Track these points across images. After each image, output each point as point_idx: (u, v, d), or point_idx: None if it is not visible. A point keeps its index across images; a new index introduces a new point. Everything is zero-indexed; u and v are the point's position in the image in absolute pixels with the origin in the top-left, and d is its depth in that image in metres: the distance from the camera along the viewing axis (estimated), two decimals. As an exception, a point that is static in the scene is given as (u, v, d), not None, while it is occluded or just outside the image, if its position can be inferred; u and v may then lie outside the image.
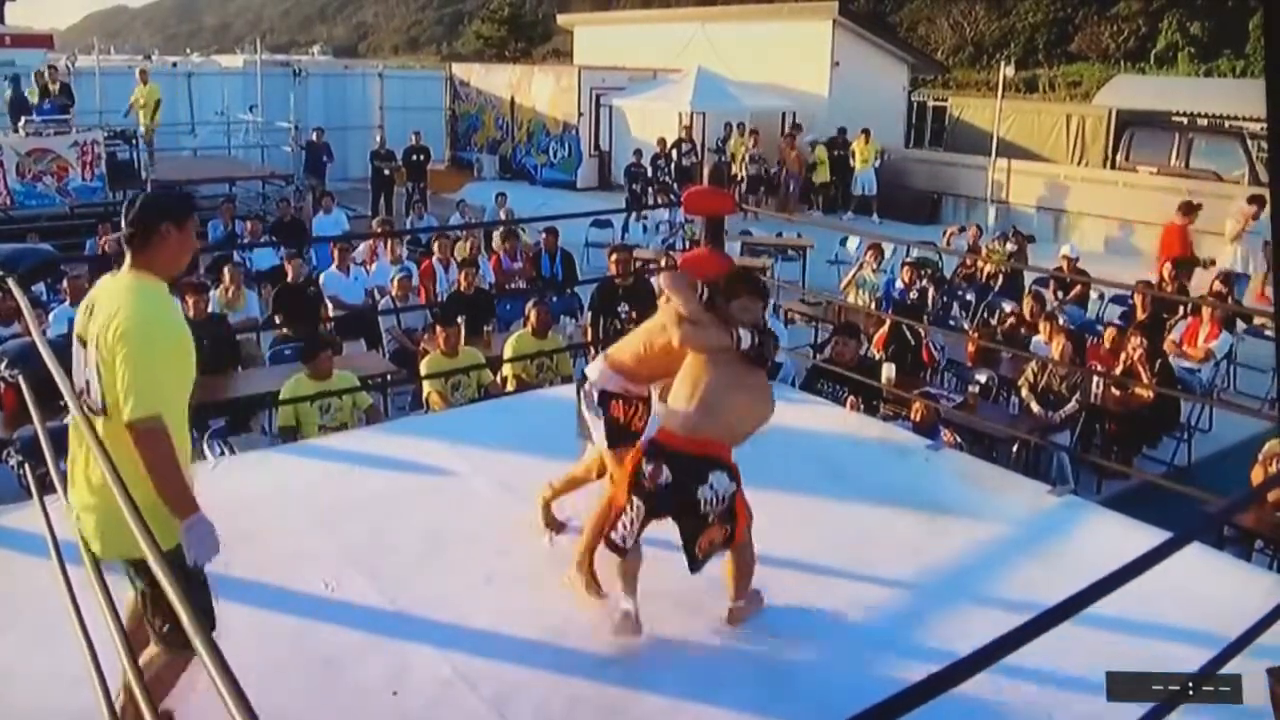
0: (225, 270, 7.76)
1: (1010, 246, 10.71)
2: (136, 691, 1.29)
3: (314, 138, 15.62)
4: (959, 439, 5.60)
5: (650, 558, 3.31)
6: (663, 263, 8.22)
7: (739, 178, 15.32)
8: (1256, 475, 4.93)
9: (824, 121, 16.64)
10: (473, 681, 2.73)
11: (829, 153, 15.68)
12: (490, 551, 3.44)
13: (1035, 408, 6.32)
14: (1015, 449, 5.92)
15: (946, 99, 20.26)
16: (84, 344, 2.33)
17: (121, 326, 2.23)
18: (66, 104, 13.09)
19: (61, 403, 2.44)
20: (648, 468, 2.80)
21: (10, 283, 3.41)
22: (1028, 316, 7.63)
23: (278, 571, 3.22)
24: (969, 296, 9.23)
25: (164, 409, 2.23)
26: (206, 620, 1.76)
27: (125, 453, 2.15)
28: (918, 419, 5.54)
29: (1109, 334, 7.20)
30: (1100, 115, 15.89)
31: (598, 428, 3.18)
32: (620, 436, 3.14)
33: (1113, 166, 15.18)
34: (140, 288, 2.34)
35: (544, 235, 9.61)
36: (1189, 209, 9.79)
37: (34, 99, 13.05)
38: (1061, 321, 7.27)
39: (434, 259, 8.65)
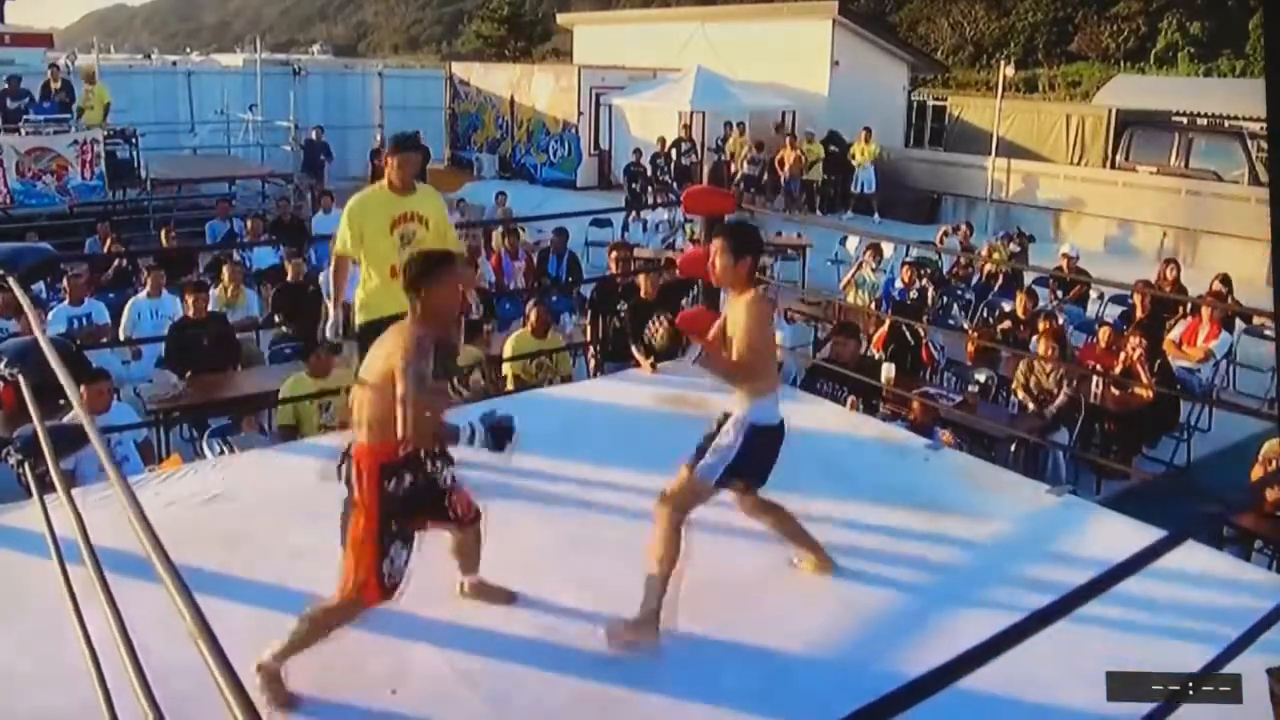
0: (225, 269, 7.76)
1: (1013, 247, 10.73)
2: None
3: (313, 137, 15.61)
4: (958, 439, 5.61)
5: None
6: (662, 261, 8.23)
7: (737, 177, 15.33)
8: (1256, 475, 4.94)
9: (824, 121, 16.64)
10: (472, 680, 2.73)
11: (824, 149, 15.69)
12: (490, 551, 3.44)
13: (1031, 406, 6.34)
14: (1014, 448, 5.92)
15: (946, 99, 20.27)
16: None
17: None
18: (66, 102, 13.08)
19: (61, 401, 2.44)
20: (390, 484, 2.63)
21: (11, 281, 3.40)
22: (1022, 315, 7.64)
23: (277, 571, 3.22)
24: (968, 296, 9.24)
25: None
26: None
27: None
28: (915, 418, 5.54)
29: (1104, 333, 7.20)
30: (1100, 115, 15.89)
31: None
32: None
33: (1113, 166, 15.18)
34: None
35: (553, 236, 9.63)
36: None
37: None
38: (1061, 321, 7.28)
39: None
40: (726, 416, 3.03)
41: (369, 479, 2.58)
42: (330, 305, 4.16)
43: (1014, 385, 6.55)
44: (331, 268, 4.15)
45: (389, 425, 2.48)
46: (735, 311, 3.01)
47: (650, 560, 2.90)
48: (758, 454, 3.00)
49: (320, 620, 2.65)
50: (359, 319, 3.92)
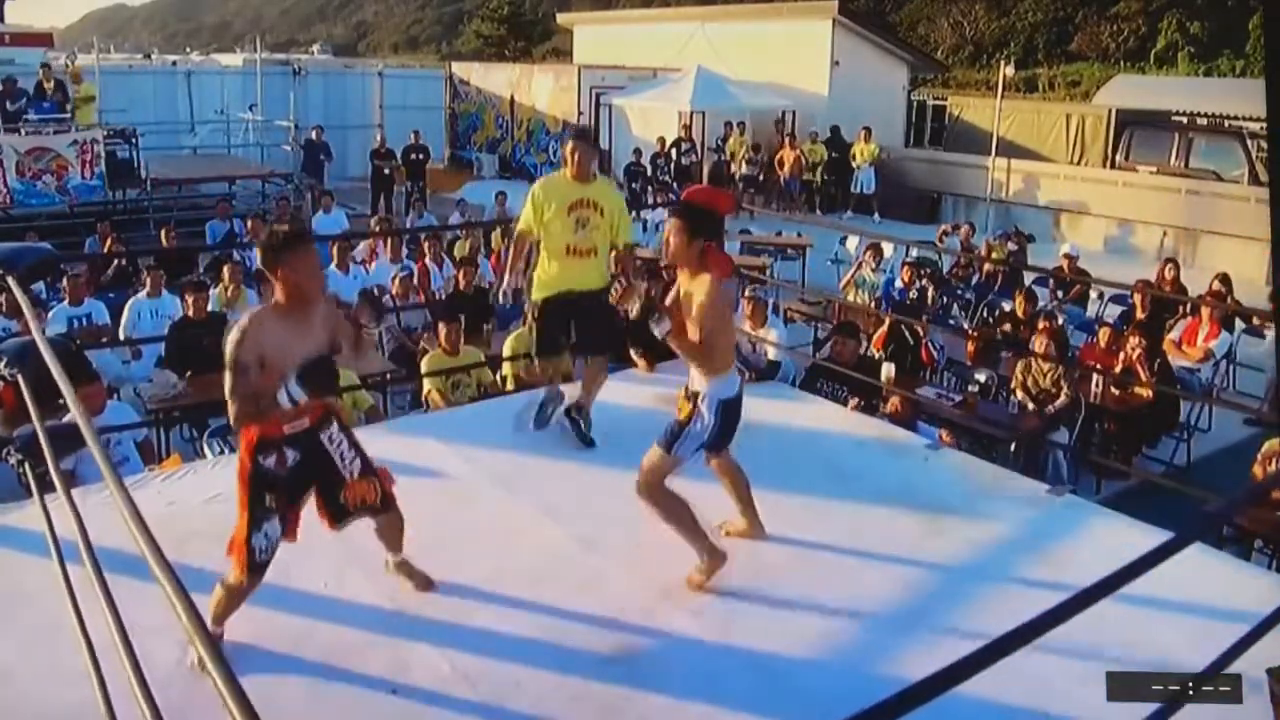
0: (225, 269, 7.76)
1: (1011, 246, 10.73)
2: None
3: (313, 137, 15.61)
4: (957, 438, 5.60)
5: (651, 557, 3.32)
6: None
7: (737, 177, 15.34)
8: (1256, 475, 4.94)
9: (824, 121, 16.65)
10: (472, 680, 2.73)
11: (826, 151, 15.69)
12: (490, 551, 3.44)
13: (1030, 406, 6.34)
14: (1014, 448, 5.92)
15: (946, 98, 20.27)
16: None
17: None
18: (63, 101, 13.08)
19: (60, 401, 2.44)
20: (268, 460, 2.68)
21: (10, 281, 3.40)
22: (1021, 315, 7.64)
23: (277, 571, 3.22)
24: (968, 296, 9.24)
25: None
26: None
27: None
28: (895, 412, 5.56)
29: (1104, 333, 7.20)
30: (1100, 115, 15.89)
31: None
32: None
33: (1112, 166, 15.19)
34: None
35: None
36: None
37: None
38: (1061, 321, 7.29)
39: (426, 259, 8.65)
40: (695, 395, 3.21)
41: (243, 452, 2.69)
42: (506, 275, 4.45)
43: (1013, 385, 6.55)
44: (512, 242, 4.42)
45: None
46: (696, 292, 3.15)
47: (668, 525, 3.16)
48: (727, 424, 3.23)
49: (220, 595, 2.74)
50: (535, 294, 4.27)
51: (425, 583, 3.15)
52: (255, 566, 2.69)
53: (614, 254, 4.33)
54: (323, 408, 2.79)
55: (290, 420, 2.67)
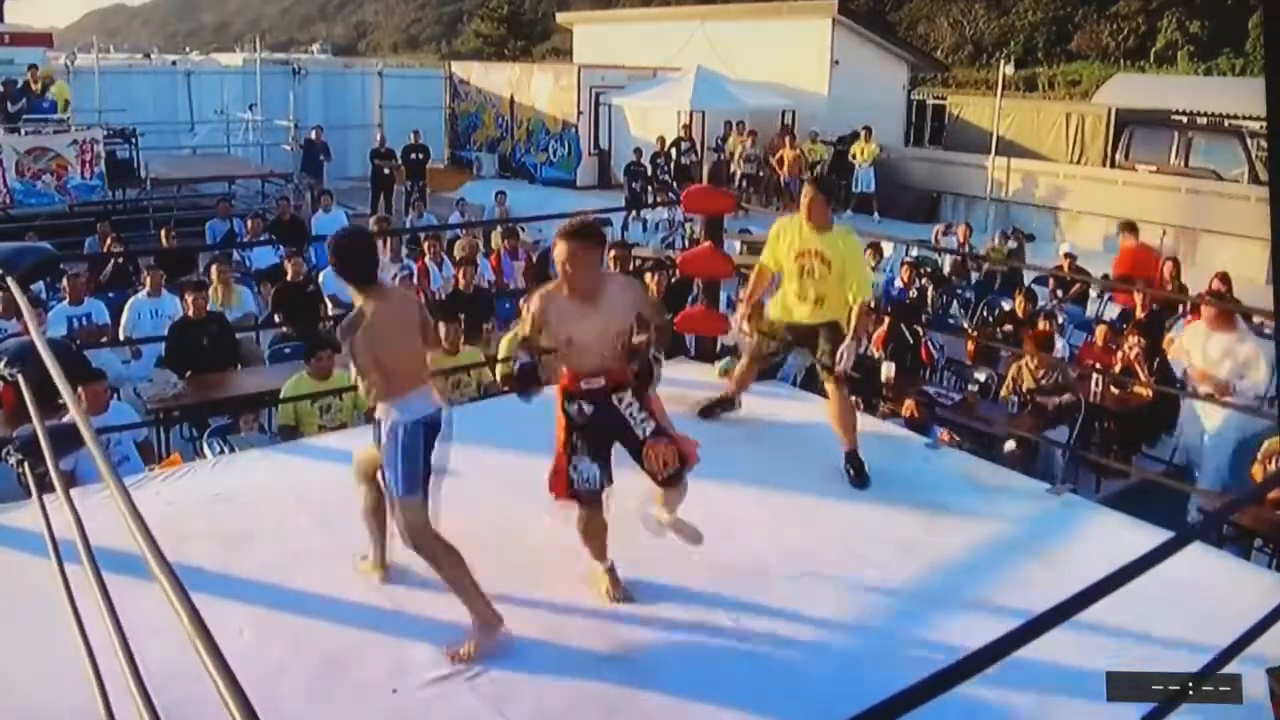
0: (214, 269, 7.76)
1: (1010, 244, 10.72)
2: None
3: (313, 136, 15.61)
4: (957, 438, 5.60)
5: (652, 557, 3.31)
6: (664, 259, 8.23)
7: (736, 176, 15.33)
8: (1256, 474, 4.94)
9: (824, 120, 16.65)
10: (472, 680, 2.73)
11: (828, 151, 15.69)
12: (490, 551, 3.44)
13: (1027, 407, 6.33)
14: (1006, 447, 5.92)
15: (946, 97, 20.26)
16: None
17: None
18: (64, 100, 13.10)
19: (60, 401, 2.44)
20: (572, 407, 3.08)
21: (10, 281, 3.40)
22: (1021, 315, 7.64)
23: (278, 571, 3.22)
24: (968, 295, 9.24)
25: None
26: None
27: None
28: (912, 415, 5.54)
29: (1101, 332, 7.20)
30: (1100, 114, 15.89)
31: None
32: None
33: (1112, 165, 15.18)
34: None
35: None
36: (1131, 228, 9.37)
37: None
38: (1061, 320, 7.28)
39: (425, 259, 8.64)
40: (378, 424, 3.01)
41: (557, 400, 3.13)
42: (740, 304, 4.63)
43: (1004, 389, 6.55)
44: (753, 271, 4.57)
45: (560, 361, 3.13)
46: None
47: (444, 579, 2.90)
48: (414, 451, 2.90)
49: (581, 536, 3.12)
50: (772, 315, 4.43)
51: (694, 536, 3.21)
52: (576, 495, 3.07)
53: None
54: (621, 375, 3.08)
55: (586, 378, 3.06)
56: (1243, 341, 5.74)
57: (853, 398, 5.70)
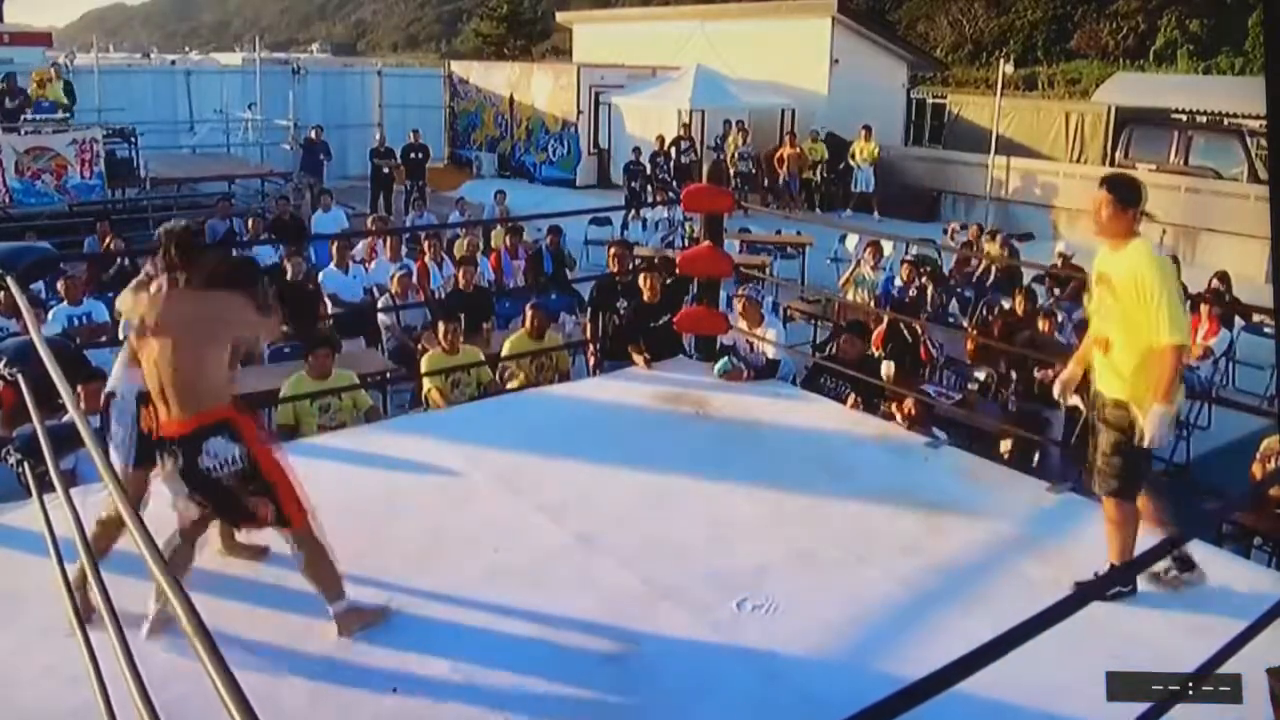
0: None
1: (1004, 252, 10.69)
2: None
3: (312, 136, 15.60)
4: (956, 437, 5.59)
5: (653, 556, 3.32)
6: (659, 259, 8.21)
7: (733, 174, 15.32)
8: (1255, 472, 4.94)
9: (823, 119, 16.65)
10: (472, 680, 2.73)
11: (826, 149, 15.69)
12: (490, 550, 3.44)
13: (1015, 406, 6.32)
14: (1012, 447, 5.91)
15: (945, 96, 20.26)
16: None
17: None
18: (61, 104, 13.09)
19: (59, 401, 2.44)
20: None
21: (9, 281, 3.40)
22: (1020, 314, 7.63)
23: (276, 571, 3.22)
24: (968, 294, 9.23)
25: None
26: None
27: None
28: (910, 416, 5.54)
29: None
30: (1099, 113, 15.88)
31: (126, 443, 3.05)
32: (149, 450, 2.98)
33: (1112, 164, 15.16)
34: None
35: (548, 235, 9.62)
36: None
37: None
38: (1059, 319, 7.28)
39: (425, 258, 8.64)
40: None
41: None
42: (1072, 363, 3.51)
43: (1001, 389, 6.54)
44: None
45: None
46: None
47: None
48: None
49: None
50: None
51: (259, 552, 3.22)
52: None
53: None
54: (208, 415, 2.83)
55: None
56: None
57: (851, 397, 5.72)
